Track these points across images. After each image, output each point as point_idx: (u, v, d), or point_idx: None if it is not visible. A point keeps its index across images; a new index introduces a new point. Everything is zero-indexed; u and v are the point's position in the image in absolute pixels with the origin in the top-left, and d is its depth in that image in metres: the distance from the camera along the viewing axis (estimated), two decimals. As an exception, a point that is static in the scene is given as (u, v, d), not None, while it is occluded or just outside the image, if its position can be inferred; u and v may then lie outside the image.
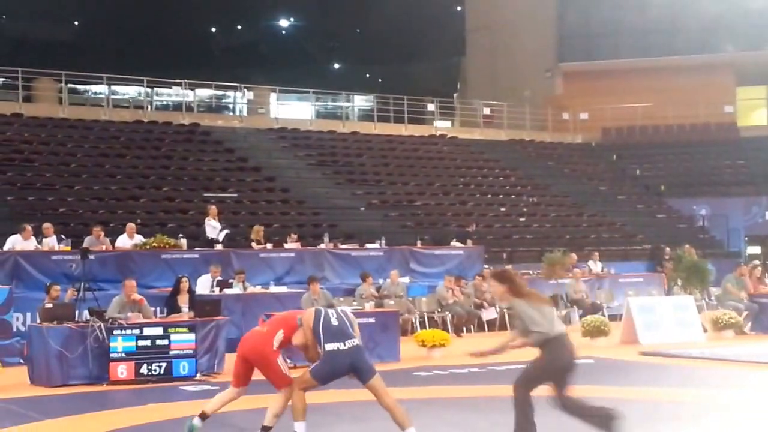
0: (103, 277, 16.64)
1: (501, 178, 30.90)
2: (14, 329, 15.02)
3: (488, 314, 20.10)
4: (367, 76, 51.32)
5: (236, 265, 18.11)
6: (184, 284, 15.22)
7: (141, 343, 12.74)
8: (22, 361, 13.85)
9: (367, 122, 33.65)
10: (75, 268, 15.50)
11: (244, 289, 17.14)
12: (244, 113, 33.81)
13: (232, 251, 18.89)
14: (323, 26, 48.76)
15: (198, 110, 31.27)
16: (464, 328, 19.26)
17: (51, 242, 17.18)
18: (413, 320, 18.98)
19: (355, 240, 21.74)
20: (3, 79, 30.00)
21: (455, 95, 42.17)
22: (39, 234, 17.21)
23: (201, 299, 15.32)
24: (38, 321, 13.61)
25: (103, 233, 17.90)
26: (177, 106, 31.13)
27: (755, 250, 32.00)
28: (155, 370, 12.73)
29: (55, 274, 16.04)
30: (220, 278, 17.14)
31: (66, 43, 43.87)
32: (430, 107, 35.53)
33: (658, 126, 35.59)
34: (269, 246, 19.40)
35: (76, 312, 13.39)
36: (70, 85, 29.54)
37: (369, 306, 16.29)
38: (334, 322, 8.15)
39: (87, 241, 17.25)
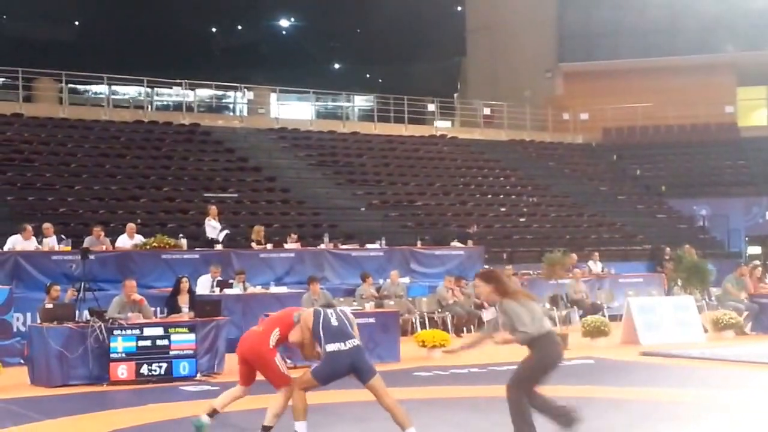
0: (104, 278, 16.64)
1: (501, 179, 30.90)
2: (14, 329, 15.00)
3: (488, 314, 20.00)
4: (368, 76, 51.33)
5: (236, 266, 18.11)
6: (185, 284, 15.23)
7: (141, 343, 12.74)
8: (22, 361, 13.84)
9: (368, 122, 33.65)
10: (75, 268, 15.50)
11: (245, 289, 17.14)
12: (245, 113, 33.82)
13: (232, 251, 18.89)
14: (323, 26, 48.74)
15: (198, 110, 31.28)
16: (464, 329, 19.25)
17: (51, 242, 17.17)
18: (413, 320, 18.98)
19: (355, 240, 21.74)
20: (3, 79, 30.01)
21: (455, 95, 42.19)
22: (39, 234, 17.21)
23: (201, 299, 15.33)
24: (38, 321, 13.61)
25: (103, 233, 17.90)
26: (177, 106, 31.13)
27: (756, 250, 32.01)
28: (155, 371, 12.73)
29: (55, 275, 16.04)
30: (220, 278, 17.14)
31: (66, 43, 43.87)
32: (431, 107, 35.54)
33: (659, 126, 35.60)
34: (269, 246, 19.40)
35: (77, 312, 13.40)
36: (70, 85, 29.54)
37: (369, 306, 16.28)
38: (334, 322, 8.15)
39: (87, 242, 17.24)
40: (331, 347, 7.99)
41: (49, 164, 23.77)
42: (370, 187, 27.59)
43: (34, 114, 26.48)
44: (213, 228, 19.50)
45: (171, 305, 15.15)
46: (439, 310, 19.31)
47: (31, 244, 16.99)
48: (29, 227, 17.06)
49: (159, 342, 12.84)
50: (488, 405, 10.40)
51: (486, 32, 39.31)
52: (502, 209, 28.50)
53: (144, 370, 12.68)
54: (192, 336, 13.12)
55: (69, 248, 16.92)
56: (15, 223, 18.15)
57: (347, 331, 8.17)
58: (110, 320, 12.88)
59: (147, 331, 12.88)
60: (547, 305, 20.25)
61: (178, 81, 30.41)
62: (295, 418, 8.10)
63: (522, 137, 34.59)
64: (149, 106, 30.84)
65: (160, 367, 12.76)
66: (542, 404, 7.88)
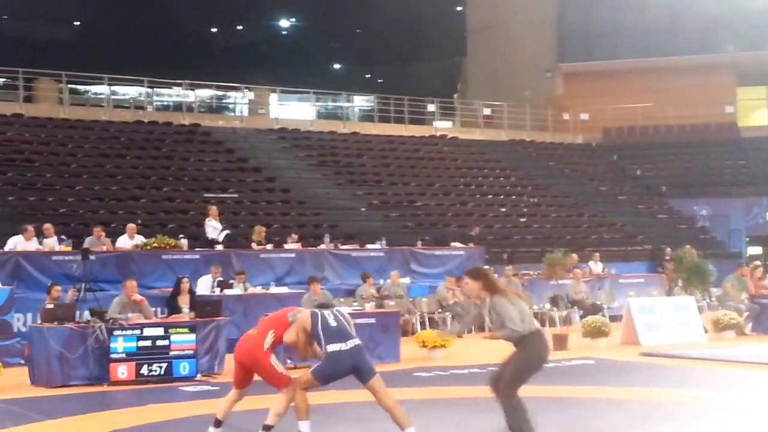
0: (104, 278, 16.64)
1: (501, 179, 30.90)
2: (15, 330, 15.01)
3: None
4: (368, 76, 51.34)
5: (237, 266, 18.12)
6: (185, 285, 15.24)
7: (141, 343, 12.75)
8: (22, 361, 13.84)
9: (368, 123, 33.66)
10: (76, 268, 15.51)
11: (245, 289, 17.15)
12: (245, 113, 33.83)
13: (232, 252, 18.89)
14: (323, 27, 48.72)
15: (198, 111, 31.28)
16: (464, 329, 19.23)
17: (52, 243, 17.18)
18: (414, 321, 18.98)
19: (355, 240, 21.75)
20: (3, 80, 30.02)
21: (455, 95, 42.18)
22: (40, 234, 17.21)
23: (201, 300, 15.34)
24: (39, 321, 13.62)
25: (103, 234, 17.90)
26: (177, 107, 31.13)
27: (756, 250, 32.03)
28: (156, 371, 12.74)
29: (55, 275, 16.04)
30: (220, 279, 17.15)
31: (66, 44, 43.87)
32: (431, 107, 35.54)
33: (659, 126, 35.60)
34: (269, 246, 19.40)
35: (77, 312, 13.40)
36: (70, 86, 29.54)
37: (369, 307, 16.28)
38: (333, 322, 8.16)
39: (88, 242, 17.24)
40: (332, 347, 7.99)
41: (50, 164, 23.77)
42: (370, 188, 27.59)
43: (35, 114, 26.48)
44: (213, 228, 19.51)
45: (171, 305, 15.16)
46: (440, 310, 19.31)
47: (32, 245, 17.00)
48: (30, 228, 17.07)
49: (159, 342, 12.84)
50: (489, 406, 10.38)
51: (486, 32, 39.32)
52: (503, 209, 28.50)
53: (144, 370, 12.68)
54: (192, 336, 13.13)
55: (70, 248, 16.93)
56: (15, 224, 18.15)
57: (347, 331, 8.18)
58: (111, 320, 12.89)
59: (147, 332, 12.88)
60: (548, 305, 20.28)
61: (179, 81, 30.41)
62: (298, 418, 8.12)
63: (522, 137, 34.59)
64: (149, 107, 30.84)
65: (161, 367, 12.76)
66: (516, 409, 7.87)
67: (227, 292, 16.74)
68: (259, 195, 25.20)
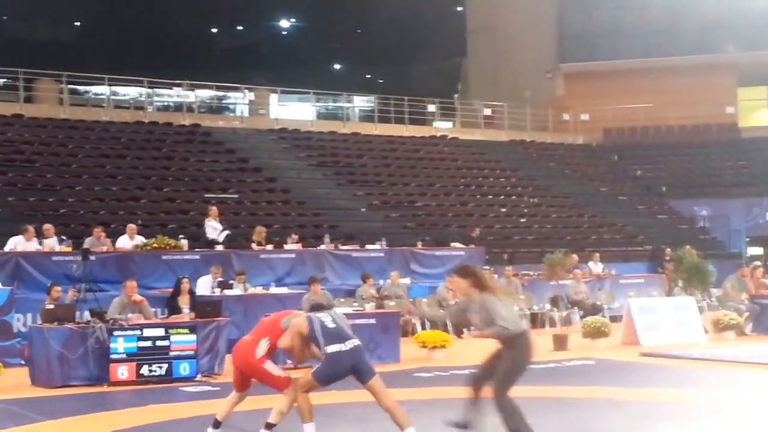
0: (104, 278, 16.63)
1: (502, 179, 30.90)
2: (15, 330, 15.00)
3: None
4: (368, 76, 51.33)
5: (237, 266, 18.11)
6: (185, 285, 15.24)
7: (142, 344, 12.75)
8: (23, 362, 13.85)
9: (368, 123, 33.66)
10: (76, 269, 15.50)
11: (245, 290, 17.14)
12: (245, 114, 33.83)
13: (232, 252, 18.88)
14: (324, 27, 48.72)
15: (199, 111, 31.27)
16: (465, 329, 19.24)
17: (52, 243, 17.17)
18: (414, 321, 18.97)
19: (355, 241, 21.75)
20: (4, 80, 30.03)
21: (456, 96, 42.19)
22: (40, 235, 17.19)
23: (202, 300, 15.34)
24: (39, 322, 13.63)
25: (103, 234, 17.89)
26: (178, 107, 31.14)
27: (756, 251, 32.02)
28: (156, 371, 12.74)
29: (56, 275, 16.04)
30: (220, 279, 17.14)
31: (67, 44, 43.89)
32: (431, 108, 35.54)
33: (659, 127, 35.60)
34: (270, 247, 19.40)
35: (77, 313, 13.39)
36: (70, 86, 29.53)
37: (369, 307, 16.27)
38: (330, 324, 8.16)
39: (88, 242, 17.23)
40: (331, 349, 8.00)
41: (50, 165, 23.77)
42: (370, 188, 27.59)
43: (35, 115, 26.48)
44: (213, 229, 19.50)
45: (171, 306, 15.16)
46: (440, 310, 19.30)
47: (32, 245, 16.99)
48: (31, 228, 17.06)
49: (159, 343, 12.85)
50: (489, 406, 10.39)
51: (486, 33, 39.31)
52: (503, 210, 28.50)
53: (144, 370, 12.68)
54: (192, 337, 13.13)
55: (70, 249, 16.93)
56: (16, 224, 18.14)
57: (345, 332, 8.18)
58: (111, 321, 12.89)
59: (147, 332, 12.89)
60: (548, 306, 20.28)
61: (179, 82, 30.41)
62: (302, 421, 8.13)
63: (522, 138, 34.59)
64: (150, 107, 30.84)
65: (161, 367, 12.77)
66: (474, 402, 8.01)
67: (227, 292, 16.74)
68: (259, 195, 25.20)
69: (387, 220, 25.40)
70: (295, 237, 20.38)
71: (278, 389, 8.31)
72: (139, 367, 12.66)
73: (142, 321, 13.32)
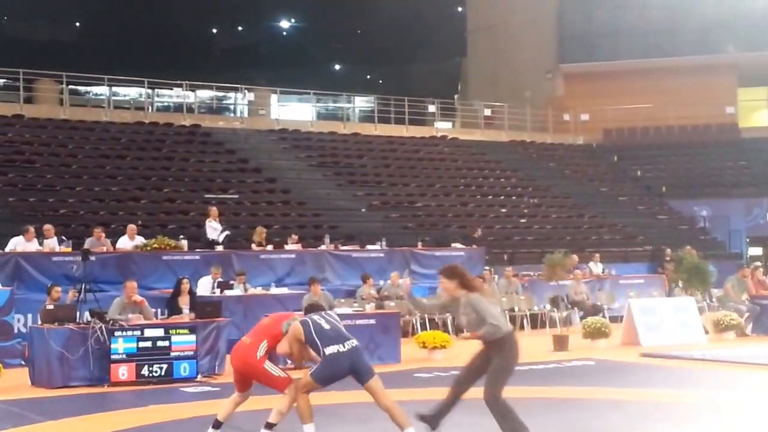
0: (104, 279, 16.64)
1: (502, 180, 30.90)
2: (15, 331, 15.02)
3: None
4: (368, 77, 51.34)
5: (237, 267, 18.12)
6: (185, 285, 15.23)
7: (142, 344, 12.75)
8: (23, 362, 13.86)
9: (368, 123, 33.66)
10: (76, 269, 15.50)
11: (245, 290, 17.15)
12: (245, 114, 33.83)
13: (232, 252, 18.89)
14: (324, 27, 48.75)
15: (199, 111, 31.29)
16: (465, 329, 19.22)
17: (52, 243, 17.17)
18: (414, 322, 18.97)
19: (355, 241, 21.76)
20: (4, 81, 30.02)
21: (456, 96, 42.20)
22: (40, 235, 17.20)
23: (202, 300, 15.34)
24: (39, 322, 13.63)
25: (104, 234, 17.90)
26: (178, 108, 31.13)
27: (757, 251, 32.00)
28: (156, 372, 12.74)
29: (56, 276, 16.04)
30: (220, 279, 17.15)
31: (67, 45, 43.89)
32: (431, 108, 35.55)
33: (660, 127, 35.59)
34: (270, 247, 19.40)
35: (77, 313, 13.38)
36: (71, 87, 29.56)
37: (370, 307, 16.27)
38: (326, 326, 8.17)
39: (88, 243, 17.23)
40: (329, 350, 8.00)
41: (50, 165, 23.78)
42: (370, 188, 27.60)
43: (35, 115, 26.50)
44: (213, 229, 19.51)
45: (172, 306, 15.15)
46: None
47: (33, 246, 17.00)
48: (31, 228, 17.06)
49: (160, 343, 12.85)
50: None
51: (486, 33, 39.31)
52: (503, 210, 28.50)
53: (145, 371, 12.68)
54: (193, 337, 13.13)
55: (70, 249, 16.92)
56: (16, 225, 18.16)
57: (343, 332, 8.20)
58: (111, 321, 12.88)
59: (148, 333, 12.89)
60: (548, 306, 20.28)
61: (179, 82, 30.42)
62: (302, 422, 8.13)
63: (522, 138, 34.59)
64: (150, 108, 30.84)
65: (161, 368, 12.76)
66: (450, 402, 8.09)
67: (227, 293, 16.74)
68: (259, 196, 25.20)
69: (387, 221, 25.40)
70: (295, 237, 20.38)
71: (278, 389, 8.32)
72: (139, 367, 12.66)
73: (143, 321, 13.32)
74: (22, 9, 42.99)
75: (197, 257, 18.32)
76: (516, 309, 20.42)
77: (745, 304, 19.19)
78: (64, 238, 17.54)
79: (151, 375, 12.70)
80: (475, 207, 28.03)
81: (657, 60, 35.40)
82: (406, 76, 47.61)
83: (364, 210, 26.05)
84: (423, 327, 18.58)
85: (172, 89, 32.91)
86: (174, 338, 12.95)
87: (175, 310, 14.93)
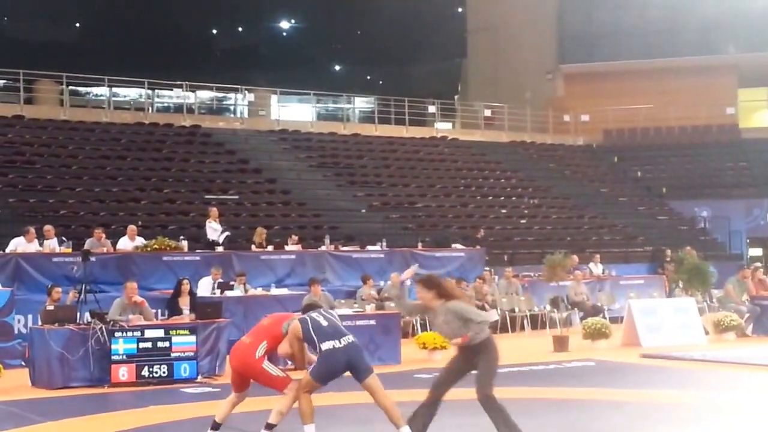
0: (104, 279, 16.64)
1: (502, 180, 30.91)
2: (16, 331, 15.02)
3: (491, 316, 20.07)
4: (368, 77, 51.34)
5: (237, 267, 18.11)
6: (185, 286, 15.24)
7: (142, 345, 12.75)
8: (23, 363, 13.85)
9: (368, 124, 33.66)
10: (76, 270, 15.50)
11: (245, 291, 17.14)
12: (245, 115, 33.82)
13: (233, 253, 18.88)
14: (324, 28, 48.76)
15: (199, 112, 31.29)
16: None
17: (52, 244, 17.17)
18: (414, 323, 18.97)
19: (356, 242, 21.75)
20: (4, 81, 30.02)
21: (456, 97, 42.18)
22: (40, 236, 17.20)
23: (202, 301, 15.34)
24: (39, 323, 13.62)
25: (104, 235, 17.89)
26: (178, 108, 31.13)
27: (757, 252, 32.00)
28: (156, 373, 12.74)
29: (56, 276, 16.04)
30: (221, 280, 17.14)
31: (67, 45, 43.88)
32: (431, 109, 35.55)
33: (660, 128, 35.60)
34: (270, 248, 19.40)
35: (78, 314, 13.40)
36: (71, 87, 29.55)
37: (370, 308, 16.27)
38: (324, 322, 8.19)
39: (88, 243, 17.23)
40: (325, 346, 8.03)
41: (50, 166, 23.79)
42: (370, 189, 27.60)
43: (35, 116, 26.50)
44: (214, 230, 19.51)
45: (172, 307, 15.15)
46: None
47: (33, 246, 17.00)
48: (32, 229, 17.06)
49: (160, 344, 12.85)
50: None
51: (486, 33, 39.32)
52: (503, 211, 28.50)
53: (145, 372, 12.69)
54: (193, 338, 13.13)
55: (70, 250, 16.92)
56: (16, 225, 18.17)
57: (340, 329, 8.21)
58: (111, 322, 12.88)
59: (148, 333, 12.89)
60: (548, 307, 20.27)
61: (179, 83, 30.42)
62: (303, 422, 8.13)
63: (523, 139, 34.59)
64: (150, 108, 30.83)
65: (161, 369, 12.76)
66: (433, 402, 8.10)
67: (228, 293, 16.74)
68: (259, 196, 25.21)
69: (387, 221, 25.40)
70: (295, 238, 20.38)
71: (277, 389, 8.31)
72: (139, 368, 12.66)
73: (143, 322, 13.32)
74: (23, 9, 42.99)
75: (197, 258, 18.32)
76: (516, 310, 20.43)
77: (746, 305, 19.18)
78: (64, 238, 17.54)
79: (151, 376, 12.71)
80: (476, 208, 28.04)
81: (657, 60, 35.41)
82: (406, 76, 47.61)
83: (364, 211, 26.05)
84: (423, 328, 18.58)
85: (172, 90, 32.90)
86: (174, 339, 12.95)
87: (175, 310, 14.93)
